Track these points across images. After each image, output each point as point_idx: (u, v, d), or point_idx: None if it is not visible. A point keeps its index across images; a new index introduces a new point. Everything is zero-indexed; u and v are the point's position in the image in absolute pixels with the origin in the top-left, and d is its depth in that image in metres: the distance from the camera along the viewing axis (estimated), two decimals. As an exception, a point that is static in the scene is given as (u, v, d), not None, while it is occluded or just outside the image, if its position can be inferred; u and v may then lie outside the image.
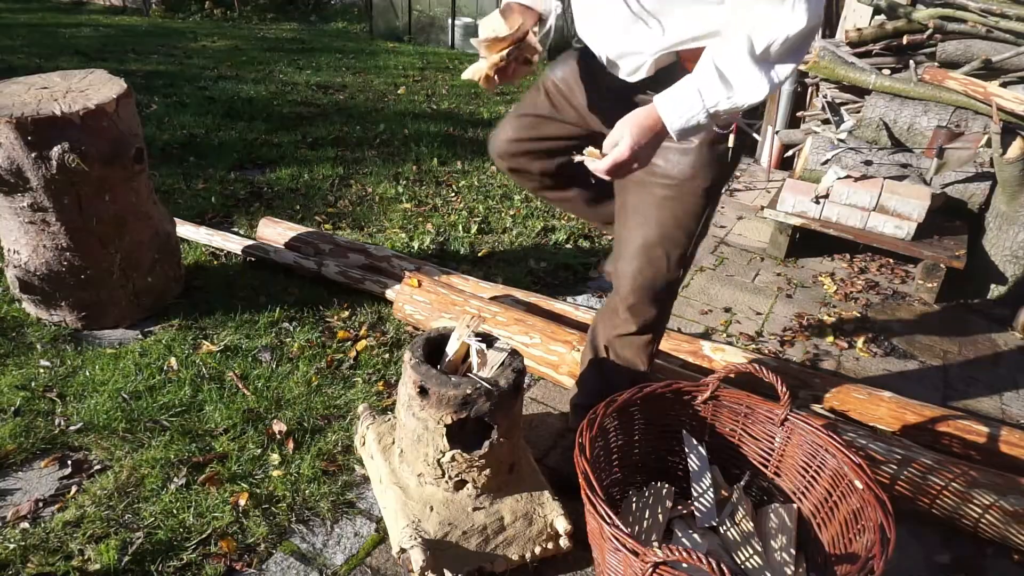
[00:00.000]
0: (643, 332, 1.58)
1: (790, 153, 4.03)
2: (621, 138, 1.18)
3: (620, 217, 1.54)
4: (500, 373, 1.44)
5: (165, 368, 2.08)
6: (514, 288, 2.50)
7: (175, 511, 1.60)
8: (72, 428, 1.83)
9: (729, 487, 1.58)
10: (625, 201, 1.51)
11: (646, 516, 1.53)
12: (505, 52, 1.32)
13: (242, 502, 1.63)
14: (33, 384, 1.97)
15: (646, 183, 1.43)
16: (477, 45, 1.34)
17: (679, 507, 1.55)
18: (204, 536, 1.55)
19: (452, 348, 1.51)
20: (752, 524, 1.48)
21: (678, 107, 1.15)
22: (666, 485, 1.59)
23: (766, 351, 2.44)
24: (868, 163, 3.10)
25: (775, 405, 1.52)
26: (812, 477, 1.48)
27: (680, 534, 1.47)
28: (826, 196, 2.99)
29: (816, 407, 1.99)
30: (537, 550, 1.50)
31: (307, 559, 1.53)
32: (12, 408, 1.87)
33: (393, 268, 2.61)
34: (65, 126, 1.94)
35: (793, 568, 1.41)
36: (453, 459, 1.46)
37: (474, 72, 1.35)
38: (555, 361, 2.07)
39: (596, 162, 1.22)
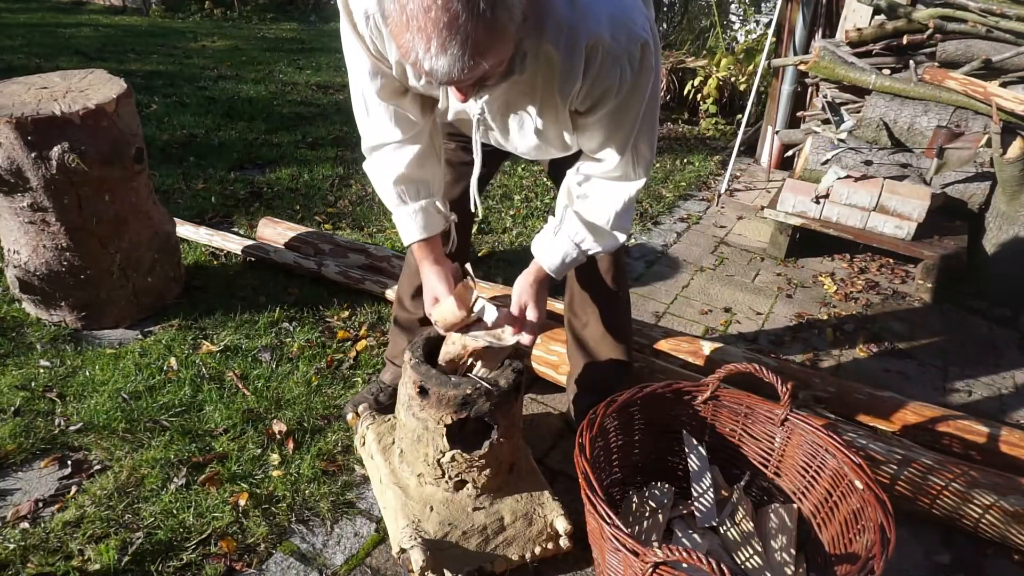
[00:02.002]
0: None
1: (790, 153, 4.03)
2: (528, 304, 1.41)
3: None
4: (500, 373, 1.44)
5: (165, 368, 2.08)
6: (514, 288, 2.50)
7: (175, 511, 1.60)
8: (72, 428, 1.83)
9: (729, 487, 1.58)
10: None
11: (646, 516, 1.53)
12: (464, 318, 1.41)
13: (242, 502, 1.63)
14: (33, 384, 1.97)
15: None
16: (440, 330, 1.46)
17: (679, 507, 1.55)
18: (204, 536, 1.55)
19: (452, 348, 1.51)
20: (752, 524, 1.48)
21: (559, 258, 1.41)
22: (666, 485, 1.60)
23: (766, 351, 2.44)
24: (868, 163, 3.10)
25: (775, 405, 1.52)
26: (812, 477, 1.48)
27: (680, 534, 1.47)
28: (826, 196, 2.99)
29: (816, 407, 1.98)
30: (537, 550, 1.50)
31: (307, 559, 1.53)
32: (12, 408, 1.87)
33: (393, 268, 2.61)
34: (65, 126, 1.94)
35: (793, 568, 1.41)
36: (453, 459, 1.45)
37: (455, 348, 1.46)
38: (555, 361, 2.07)
39: (523, 336, 1.39)
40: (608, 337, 1.80)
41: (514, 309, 1.41)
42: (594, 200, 1.38)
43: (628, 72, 1.13)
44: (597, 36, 1.08)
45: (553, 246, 1.42)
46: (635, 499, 1.57)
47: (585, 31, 1.08)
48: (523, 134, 1.33)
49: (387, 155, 1.39)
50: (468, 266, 1.44)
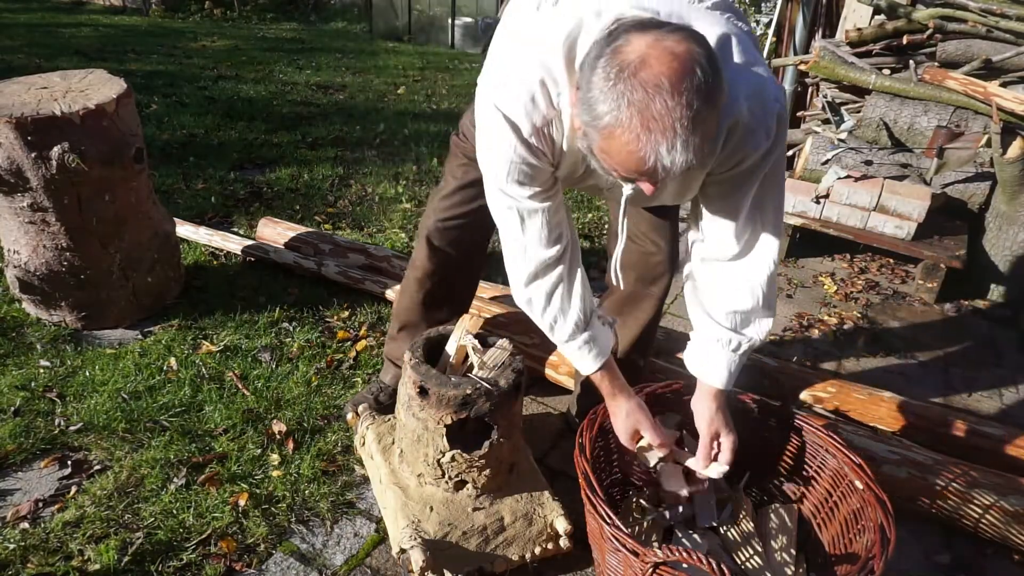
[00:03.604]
0: None
1: (790, 153, 4.03)
2: (722, 439, 1.36)
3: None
4: (500, 373, 1.44)
5: (165, 368, 2.08)
6: (514, 288, 2.50)
7: (175, 511, 1.60)
8: (72, 428, 1.82)
9: (729, 487, 1.58)
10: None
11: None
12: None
13: (242, 502, 1.63)
14: (33, 384, 1.97)
15: None
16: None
17: (679, 507, 1.55)
18: (204, 536, 1.55)
19: (452, 348, 1.51)
20: (752, 524, 1.48)
21: (722, 372, 1.33)
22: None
23: (766, 351, 2.44)
24: (868, 163, 3.10)
25: (775, 405, 1.52)
26: (812, 477, 1.48)
27: (680, 534, 1.46)
28: (826, 196, 2.99)
29: (816, 407, 1.99)
30: (537, 550, 1.50)
31: (307, 559, 1.53)
32: (12, 408, 1.87)
33: (393, 268, 2.61)
34: (65, 126, 1.94)
35: (793, 568, 1.41)
36: (453, 459, 1.45)
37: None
38: (555, 361, 2.07)
39: (719, 467, 1.36)
40: (637, 331, 1.75)
41: (704, 439, 1.36)
42: (725, 295, 1.30)
43: (764, 141, 1.13)
44: (737, 116, 1.08)
45: (711, 361, 1.34)
46: (635, 499, 1.57)
47: (727, 112, 1.06)
48: (659, 196, 1.29)
49: (551, 281, 1.29)
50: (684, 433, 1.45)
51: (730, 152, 1.13)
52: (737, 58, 1.08)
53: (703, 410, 1.37)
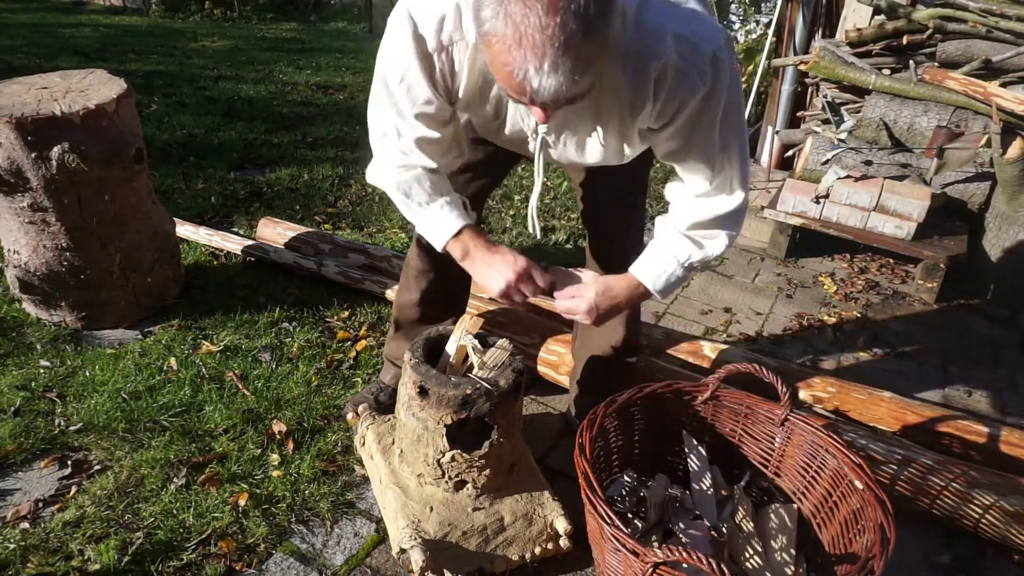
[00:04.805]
0: None
1: (790, 153, 4.03)
2: (586, 291, 1.35)
3: None
4: (500, 373, 1.44)
5: (165, 368, 2.08)
6: (514, 288, 2.50)
7: (175, 511, 1.60)
8: (72, 428, 1.83)
9: (729, 487, 1.58)
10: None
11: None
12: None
13: (242, 502, 1.63)
14: (33, 384, 1.97)
15: None
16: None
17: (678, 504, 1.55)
18: (204, 536, 1.55)
19: (452, 348, 1.51)
20: (752, 524, 1.48)
21: (655, 270, 1.34)
22: (665, 478, 1.59)
23: (766, 351, 2.44)
24: (868, 163, 3.10)
25: (775, 405, 1.52)
26: (812, 477, 1.48)
27: (680, 534, 1.46)
28: (826, 196, 2.99)
29: (816, 407, 1.99)
30: (537, 550, 1.50)
31: (307, 559, 1.53)
32: (12, 408, 1.87)
33: (393, 268, 2.61)
34: (65, 126, 1.94)
35: (793, 568, 1.41)
36: (453, 459, 1.45)
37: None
38: (555, 361, 2.06)
39: (559, 300, 1.36)
40: (622, 328, 1.77)
41: (575, 287, 1.36)
42: (690, 214, 1.32)
43: (700, 85, 1.11)
44: (665, 58, 1.07)
45: (649, 260, 1.36)
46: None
47: (652, 54, 1.06)
48: (582, 148, 1.30)
49: (412, 163, 1.31)
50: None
51: (666, 98, 1.12)
52: None
53: (611, 279, 1.37)
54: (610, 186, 1.61)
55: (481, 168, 1.59)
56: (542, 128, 1.21)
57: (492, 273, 1.32)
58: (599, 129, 1.24)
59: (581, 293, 1.35)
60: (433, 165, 1.31)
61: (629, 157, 1.34)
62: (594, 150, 1.30)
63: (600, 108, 1.18)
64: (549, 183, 3.86)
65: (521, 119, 1.26)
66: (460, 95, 1.21)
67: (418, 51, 1.14)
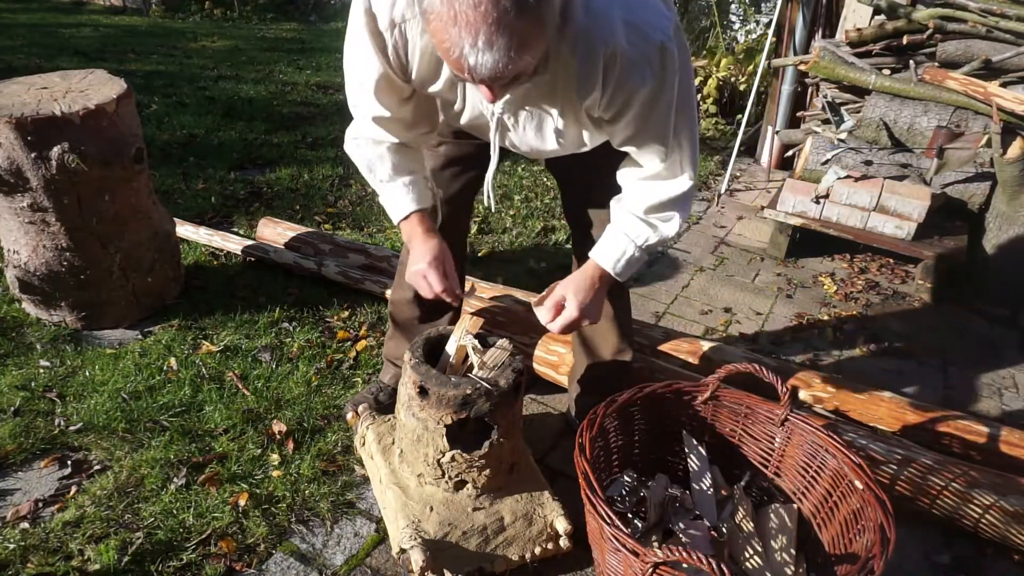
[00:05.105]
0: None
1: (790, 153, 4.03)
2: (566, 300, 1.37)
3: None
4: (500, 373, 1.44)
5: (165, 368, 2.08)
6: (514, 288, 2.50)
7: (175, 511, 1.60)
8: (72, 428, 1.82)
9: (729, 487, 1.58)
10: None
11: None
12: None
13: (242, 502, 1.63)
14: (33, 384, 1.97)
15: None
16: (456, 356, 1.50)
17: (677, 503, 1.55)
18: (204, 536, 1.55)
19: (452, 348, 1.51)
20: (752, 524, 1.48)
21: (614, 253, 1.37)
22: (665, 478, 1.59)
23: (766, 351, 2.44)
24: (868, 163, 3.10)
25: (775, 405, 1.52)
26: (812, 477, 1.48)
27: (680, 534, 1.46)
28: (826, 196, 2.99)
29: (816, 407, 1.99)
30: (537, 550, 1.50)
31: (307, 559, 1.53)
32: (12, 408, 1.87)
33: (393, 268, 2.61)
34: (65, 126, 1.94)
35: (793, 568, 1.41)
36: (453, 459, 1.45)
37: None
38: (555, 361, 2.06)
39: (550, 324, 1.39)
40: (613, 329, 1.79)
41: (556, 297, 1.38)
42: (643, 197, 1.36)
43: (649, 76, 1.12)
44: (613, 44, 1.08)
45: (603, 244, 1.39)
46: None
47: (601, 39, 1.07)
48: (541, 134, 1.32)
49: (378, 138, 1.38)
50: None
51: (615, 87, 1.14)
52: None
53: (576, 276, 1.40)
54: (587, 183, 1.62)
55: (468, 162, 1.61)
56: (496, 108, 1.23)
57: (414, 258, 1.41)
58: (554, 113, 1.26)
59: (565, 303, 1.38)
60: (396, 140, 1.36)
61: (588, 147, 1.37)
62: (552, 136, 1.32)
63: (555, 92, 1.20)
64: (550, 183, 3.86)
65: (480, 102, 1.28)
66: (414, 73, 1.23)
67: (371, 28, 1.16)
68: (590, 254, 1.41)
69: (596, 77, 1.12)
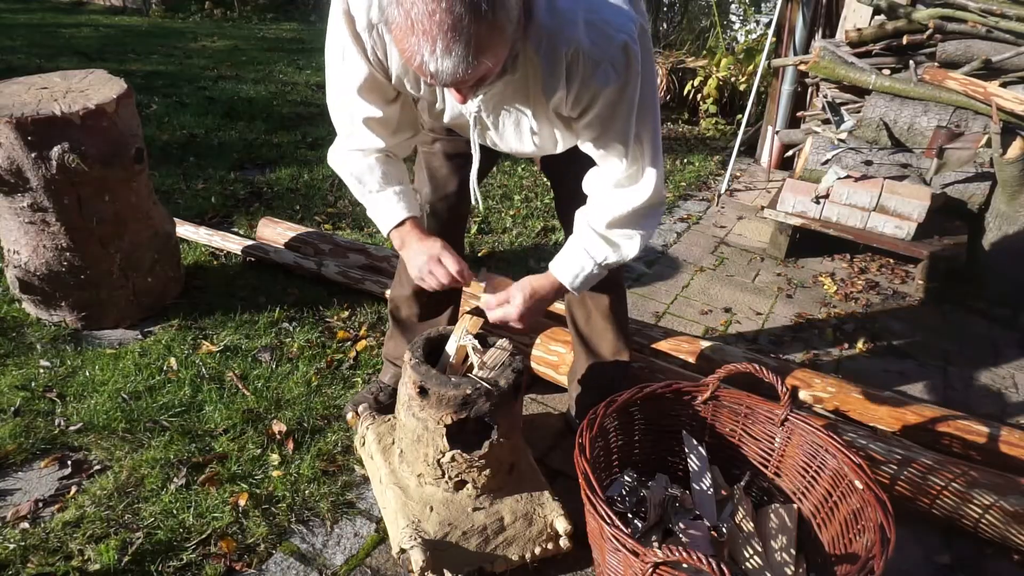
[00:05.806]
0: None
1: (790, 153, 4.03)
2: (512, 298, 1.38)
3: None
4: (500, 373, 1.44)
5: (165, 368, 2.08)
6: (514, 288, 2.50)
7: (175, 511, 1.60)
8: (72, 428, 1.82)
9: (729, 487, 1.58)
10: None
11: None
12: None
13: (242, 502, 1.63)
14: (33, 384, 1.97)
15: None
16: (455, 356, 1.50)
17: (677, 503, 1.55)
18: (204, 536, 1.55)
19: (452, 348, 1.51)
20: (752, 524, 1.48)
21: (573, 269, 1.38)
22: (665, 477, 1.59)
23: (766, 351, 2.44)
24: (868, 163, 3.10)
25: (775, 405, 1.52)
26: (812, 477, 1.48)
27: (680, 534, 1.46)
28: (826, 196, 2.99)
29: (816, 407, 1.99)
30: (537, 550, 1.50)
31: (307, 559, 1.53)
32: (12, 408, 1.87)
33: (393, 268, 2.61)
34: (65, 126, 1.94)
35: (793, 568, 1.41)
36: (453, 459, 1.45)
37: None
38: (555, 361, 2.06)
39: (490, 311, 1.41)
40: (610, 328, 1.80)
41: (505, 293, 1.40)
42: (606, 208, 1.35)
43: (612, 75, 1.13)
44: (576, 44, 1.09)
45: (564, 257, 1.40)
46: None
47: (563, 38, 1.08)
48: (519, 134, 1.34)
49: (365, 146, 1.39)
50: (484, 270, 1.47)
51: (579, 86, 1.15)
52: None
53: (535, 281, 1.40)
54: (578, 183, 1.63)
55: (464, 158, 1.61)
56: (471, 108, 1.24)
57: (414, 256, 1.41)
58: (528, 113, 1.27)
59: (511, 301, 1.39)
60: (382, 145, 1.37)
61: (562, 146, 1.37)
62: (529, 136, 1.33)
63: (527, 90, 1.21)
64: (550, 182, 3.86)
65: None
66: (393, 75, 1.25)
67: (350, 30, 1.18)
68: (550, 265, 1.42)
69: (560, 76, 1.13)
